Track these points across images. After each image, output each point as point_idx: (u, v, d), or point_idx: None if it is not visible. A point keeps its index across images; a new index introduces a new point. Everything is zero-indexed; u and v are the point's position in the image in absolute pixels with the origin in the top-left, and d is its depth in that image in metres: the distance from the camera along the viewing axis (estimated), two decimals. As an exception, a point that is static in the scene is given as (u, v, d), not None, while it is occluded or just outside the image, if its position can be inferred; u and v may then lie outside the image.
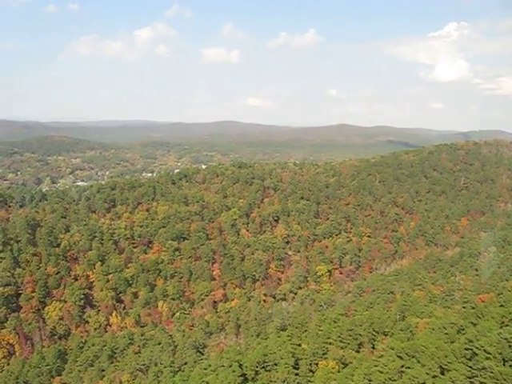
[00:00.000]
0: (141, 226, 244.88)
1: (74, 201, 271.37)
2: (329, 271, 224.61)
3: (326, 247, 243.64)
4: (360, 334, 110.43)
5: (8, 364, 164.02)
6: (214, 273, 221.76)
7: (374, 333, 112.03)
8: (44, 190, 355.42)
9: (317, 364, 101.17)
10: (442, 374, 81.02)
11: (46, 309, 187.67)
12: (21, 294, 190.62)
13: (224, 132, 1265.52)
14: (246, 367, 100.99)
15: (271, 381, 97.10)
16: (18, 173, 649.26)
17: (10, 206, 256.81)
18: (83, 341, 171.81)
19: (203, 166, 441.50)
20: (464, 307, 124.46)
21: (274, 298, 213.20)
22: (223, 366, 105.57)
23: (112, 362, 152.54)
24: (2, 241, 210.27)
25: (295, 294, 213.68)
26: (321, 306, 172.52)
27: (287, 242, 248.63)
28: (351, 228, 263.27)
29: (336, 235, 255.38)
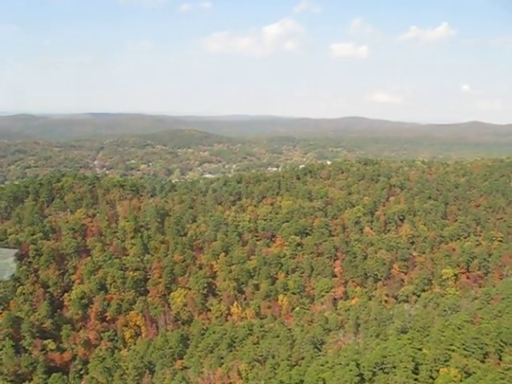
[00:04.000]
0: (265, 220, 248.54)
1: (201, 192, 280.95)
2: (455, 275, 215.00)
3: (453, 250, 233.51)
4: (486, 344, 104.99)
5: (134, 344, 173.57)
6: (336, 270, 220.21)
7: (501, 343, 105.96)
8: (173, 181, 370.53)
9: (438, 371, 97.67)
10: None
11: (172, 294, 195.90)
12: (149, 278, 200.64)
13: (350, 128, 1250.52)
14: (364, 367, 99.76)
15: (389, 383, 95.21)
16: (150, 164, 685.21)
17: (141, 196, 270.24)
18: (205, 328, 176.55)
19: (328, 162, 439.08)
20: None
21: (396, 299, 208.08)
22: (340, 364, 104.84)
23: (231, 351, 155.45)
24: (134, 228, 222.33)
25: (418, 296, 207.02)
26: (445, 310, 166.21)
27: (412, 243, 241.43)
28: (481, 231, 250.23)
29: (464, 238, 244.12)
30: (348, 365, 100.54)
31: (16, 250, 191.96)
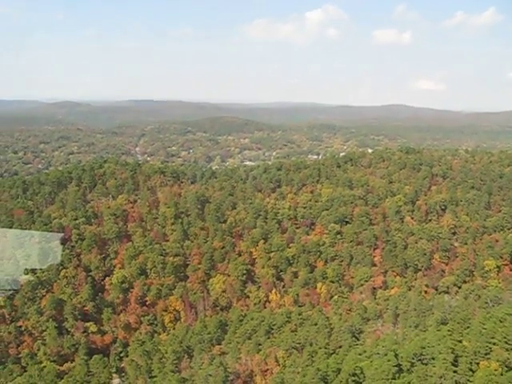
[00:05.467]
0: (304, 208, 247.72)
1: (241, 179, 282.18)
2: (497, 267, 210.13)
3: (496, 241, 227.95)
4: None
5: (174, 328, 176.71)
6: (375, 259, 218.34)
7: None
8: (214, 168, 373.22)
9: (478, 364, 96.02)
10: None
11: (211, 281, 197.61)
12: (188, 264, 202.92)
13: (392, 116, 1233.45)
14: (402, 358, 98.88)
15: (427, 375, 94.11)
16: (191, 151, 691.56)
17: (182, 182, 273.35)
18: (243, 314, 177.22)
19: (369, 150, 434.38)
20: None
21: (436, 289, 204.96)
22: (378, 353, 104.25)
23: (269, 338, 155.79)
24: (174, 214, 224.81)
25: (459, 287, 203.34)
26: (486, 302, 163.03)
27: (454, 233, 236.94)
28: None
29: (508, 229, 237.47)
30: (386, 355, 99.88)
31: (61, 235, 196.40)
